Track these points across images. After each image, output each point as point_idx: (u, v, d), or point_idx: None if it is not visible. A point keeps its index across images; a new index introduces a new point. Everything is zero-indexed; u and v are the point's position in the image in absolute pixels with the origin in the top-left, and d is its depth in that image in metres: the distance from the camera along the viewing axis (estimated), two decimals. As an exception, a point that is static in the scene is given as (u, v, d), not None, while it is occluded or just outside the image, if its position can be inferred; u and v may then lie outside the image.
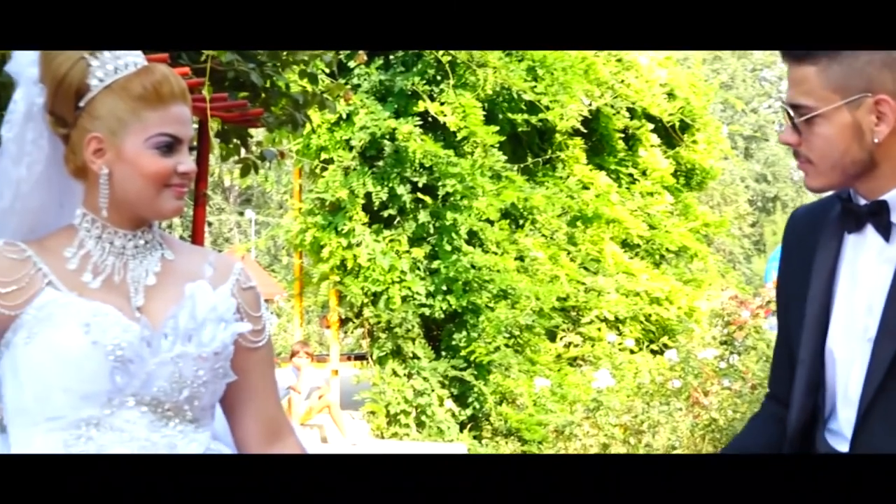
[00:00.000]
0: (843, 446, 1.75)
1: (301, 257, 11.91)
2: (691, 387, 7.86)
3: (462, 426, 10.49)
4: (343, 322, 11.40)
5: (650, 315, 12.05)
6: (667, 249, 13.29)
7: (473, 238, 10.83)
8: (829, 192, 1.83)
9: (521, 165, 11.72)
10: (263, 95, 4.49)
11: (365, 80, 10.59)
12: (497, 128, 10.71)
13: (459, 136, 10.52)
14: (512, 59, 11.08)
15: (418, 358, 10.49)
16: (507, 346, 10.66)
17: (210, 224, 37.45)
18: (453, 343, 10.55)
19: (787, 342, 1.88)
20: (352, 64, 10.10)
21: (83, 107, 1.70)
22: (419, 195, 10.41)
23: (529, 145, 12.29)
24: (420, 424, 10.41)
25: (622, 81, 12.67)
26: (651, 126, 13.35)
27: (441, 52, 10.26)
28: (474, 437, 10.45)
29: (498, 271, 10.63)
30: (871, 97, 1.67)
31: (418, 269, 10.50)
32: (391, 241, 10.49)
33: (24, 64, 1.73)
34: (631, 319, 11.90)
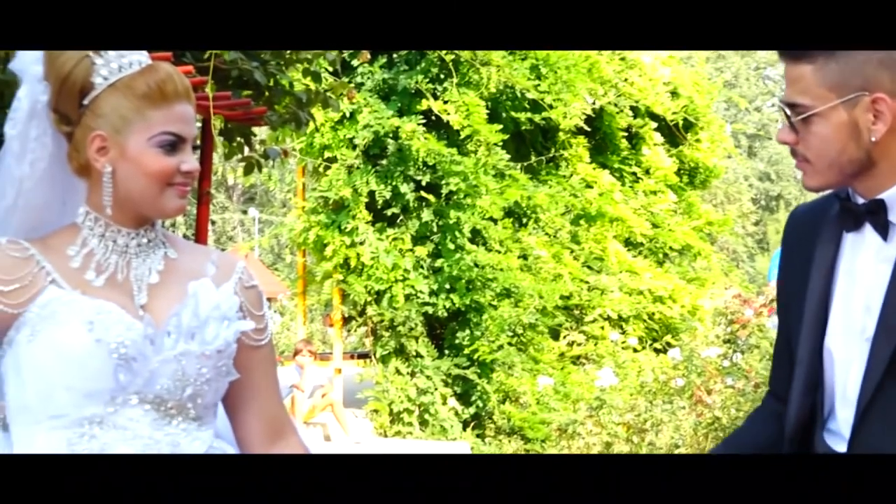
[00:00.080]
0: (841, 446, 1.75)
1: (304, 256, 11.92)
2: (694, 385, 7.86)
3: (465, 425, 10.50)
4: (346, 320, 11.42)
5: (653, 313, 12.05)
6: (670, 248, 13.29)
7: (477, 236, 10.83)
8: (829, 191, 1.83)
9: (525, 164, 11.73)
10: (267, 94, 4.49)
11: (368, 78, 10.60)
12: (500, 126, 10.72)
13: (463, 135, 10.52)
14: (515, 57, 11.09)
15: (421, 356, 10.50)
16: (510, 344, 10.67)
17: (213, 222, 37.48)
18: (456, 341, 10.56)
19: (788, 341, 1.88)
20: (355, 62, 10.11)
21: (87, 105, 1.70)
22: (422, 193, 10.42)
23: (533, 144, 12.30)
24: (423, 423, 10.42)
25: (625, 80, 12.68)
26: (654, 124, 13.36)
27: (444, 51, 10.26)
28: (477, 436, 10.46)
29: (501, 270, 10.64)
30: (868, 96, 1.66)
31: (421, 267, 10.51)
32: (394, 239, 10.50)
33: (28, 61, 1.73)
34: (634, 318, 11.90)
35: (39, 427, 1.67)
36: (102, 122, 1.69)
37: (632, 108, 12.82)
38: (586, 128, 12.09)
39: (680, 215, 13.80)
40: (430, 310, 10.41)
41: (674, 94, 13.34)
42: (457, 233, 10.43)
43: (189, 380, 1.71)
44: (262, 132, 6.32)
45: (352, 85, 9.00)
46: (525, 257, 11.46)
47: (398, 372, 10.53)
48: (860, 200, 1.75)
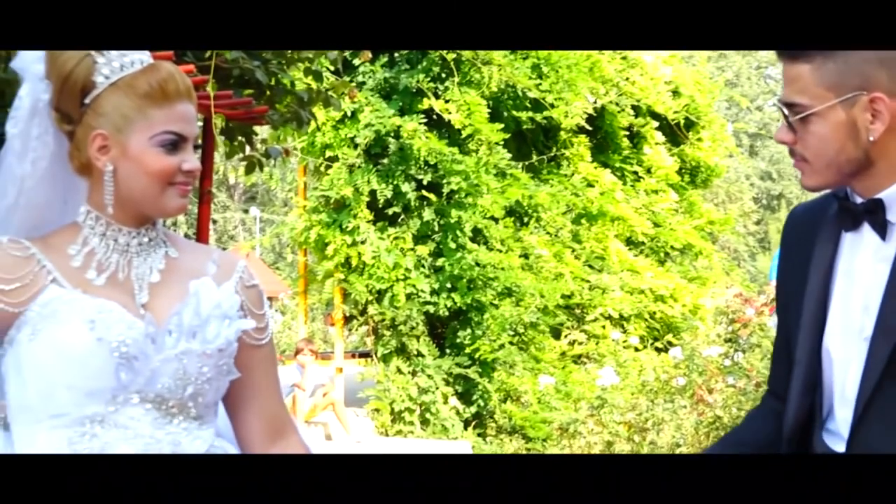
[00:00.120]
0: (839, 446, 1.75)
1: (306, 255, 11.92)
2: (696, 384, 7.85)
3: (466, 423, 10.50)
4: (347, 319, 11.42)
5: (655, 312, 12.05)
6: (671, 247, 13.29)
7: (478, 235, 10.83)
8: (827, 191, 1.83)
9: (526, 163, 11.73)
10: (268, 93, 4.49)
11: (370, 77, 10.60)
12: (502, 125, 10.72)
13: (464, 134, 10.52)
14: (517, 56, 11.09)
15: (422, 355, 10.50)
16: (511, 343, 10.67)
17: (215, 222, 37.48)
18: (458, 340, 10.56)
19: (787, 340, 1.88)
20: (357, 61, 10.12)
21: (88, 104, 1.70)
22: (424, 193, 10.42)
23: (534, 143, 12.30)
24: (424, 422, 10.42)
25: (627, 79, 12.68)
26: (656, 123, 13.36)
27: (445, 50, 10.27)
28: (478, 435, 10.46)
29: (502, 269, 10.64)
30: (866, 95, 1.66)
31: (423, 266, 10.51)
32: (396, 238, 10.50)
33: (30, 60, 1.73)
34: (635, 317, 11.90)
35: (40, 426, 1.67)
36: (104, 120, 1.70)
37: (633, 107, 12.82)
38: (588, 127, 12.09)
39: (681, 214, 13.80)
40: (431, 309, 10.41)
41: (675, 93, 13.34)
42: (458, 232, 10.44)
43: (190, 379, 1.71)
44: (263, 131, 6.32)
45: (353, 84, 9.00)
46: (526, 256, 11.47)
47: (399, 371, 10.53)
48: (858, 200, 1.75)
